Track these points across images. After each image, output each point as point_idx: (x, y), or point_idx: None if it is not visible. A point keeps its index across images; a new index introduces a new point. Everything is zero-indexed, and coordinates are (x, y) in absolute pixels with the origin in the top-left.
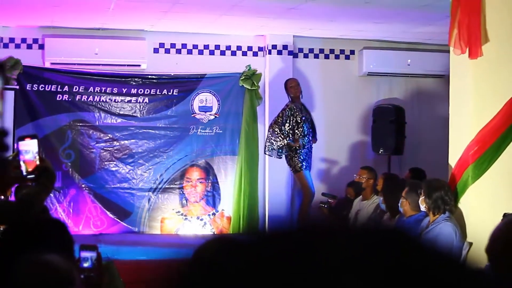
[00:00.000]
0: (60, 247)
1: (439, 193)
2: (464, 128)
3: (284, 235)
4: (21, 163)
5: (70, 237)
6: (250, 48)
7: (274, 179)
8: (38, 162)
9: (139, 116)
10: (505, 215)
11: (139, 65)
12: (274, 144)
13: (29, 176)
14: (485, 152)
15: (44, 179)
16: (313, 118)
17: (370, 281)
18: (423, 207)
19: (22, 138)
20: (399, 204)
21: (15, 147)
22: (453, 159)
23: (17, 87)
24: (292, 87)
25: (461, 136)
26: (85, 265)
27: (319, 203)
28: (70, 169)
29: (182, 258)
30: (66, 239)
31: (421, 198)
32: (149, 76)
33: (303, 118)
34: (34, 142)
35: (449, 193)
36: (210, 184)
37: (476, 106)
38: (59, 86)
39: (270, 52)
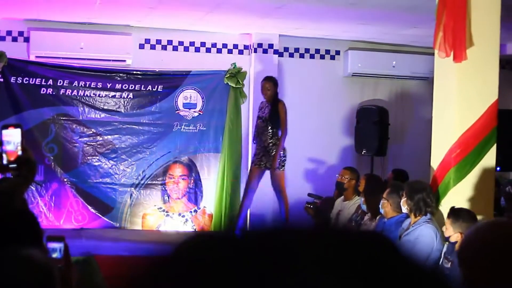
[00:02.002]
0: (29, 240)
1: (420, 194)
2: (447, 131)
3: (262, 234)
4: (3, 152)
5: (40, 229)
6: (235, 46)
7: None
8: (20, 153)
9: (123, 111)
10: (452, 208)
11: (124, 61)
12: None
13: (10, 166)
14: (467, 155)
15: (25, 171)
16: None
17: (337, 280)
18: (404, 209)
19: (5, 127)
20: (380, 205)
21: None
22: (435, 162)
23: (1, 79)
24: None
25: (444, 138)
26: (54, 255)
27: (305, 203)
28: (52, 163)
29: (160, 255)
30: (35, 231)
31: (403, 200)
32: (134, 72)
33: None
34: (18, 131)
35: (430, 195)
36: (192, 181)
37: (460, 109)
38: (43, 80)
39: (255, 51)
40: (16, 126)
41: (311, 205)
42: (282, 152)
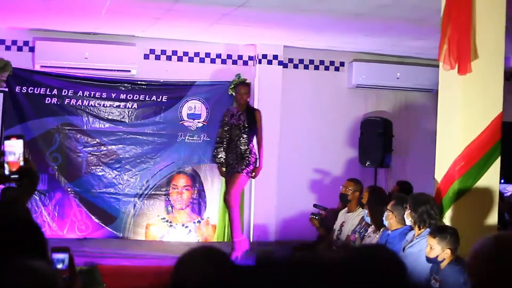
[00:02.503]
0: (34, 250)
1: (424, 207)
2: (451, 143)
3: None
4: (5, 163)
5: (44, 239)
6: (240, 57)
7: (261, 189)
8: (22, 163)
9: (127, 121)
10: (436, 227)
11: (129, 71)
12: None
13: (12, 176)
14: (471, 168)
15: (26, 181)
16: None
17: None
18: (408, 221)
19: (7, 138)
20: (384, 217)
21: (1, 147)
22: (439, 174)
23: (6, 89)
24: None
25: (448, 151)
26: (59, 266)
27: (311, 215)
28: (56, 173)
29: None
30: (39, 241)
31: (407, 212)
32: (139, 82)
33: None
34: (20, 142)
35: (434, 207)
36: (196, 192)
37: (464, 122)
38: (48, 89)
39: (260, 62)
40: (18, 137)
41: (316, 216)
42: (254, 159)
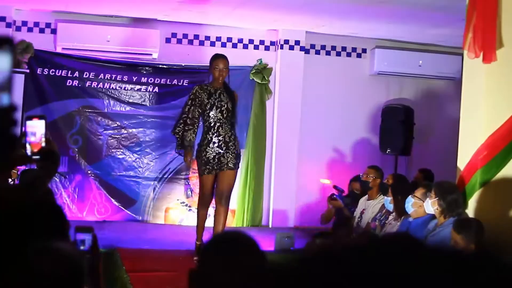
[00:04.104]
0: (56, 231)
1: (454, 195)
2: (474, 132)
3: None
4: (27, 143)
5: (66, 221)
6: (262, 42)
7: (281, 174)
8: (43, 144)
9: (148, 105)
10: (460, 222)
11: (151, 54)
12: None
13: (34, 157)
14: (494, 158)
15: (48, 162)
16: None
17: None
18: (433, 209)
19: (29, 118)
20: (411, 204)
21: (23, 129)
22: (461, 163)
23: (28, 70)
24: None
25: (471, 140)
26: (82, 247)
27: (330, 196)
28: (77, 155)
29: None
30: (61, 222)
31: (433, 200)
32: (160, 66)
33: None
34: (42, 123)
35: (461, 196)
36: None
37: (488, 111)
38: (69, 72)
39: (282, 47)
40: (40, 117)
41: (330, 195)
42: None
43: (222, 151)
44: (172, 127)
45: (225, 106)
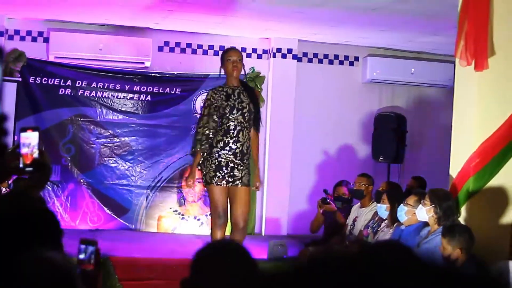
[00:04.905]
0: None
1: (450, 202)
2: (466, 139)
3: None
4: (20, 155)
5: (59, 229)
6: (254, 50)
7: (273, 182)
8: (36, 156)
9: (140, 113)
10: (446, 227)
11: (143, 63)
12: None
13: (26, 169)
14: (486, 165)
15: (38, 174)
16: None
17: None
18: (427, 217)
19: (23, 130)
20: (404, 212)
21: (16, 139)
22: (454, 171)
23: (20, 79)
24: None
25: (463, 147)
26: (81, 256)
27: (321, 199)
28: (69, 164)
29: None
30: (54, 230)
31: (427, 207)
32: (153, 74)
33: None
34: (35, 134)
35: (455, 203)
36: None
37: (480, 118)
38: (62, 80)
39: (274, 55)
40: (34, 129)
41: (322, 199)
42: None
43: (237, 161)
44: (191, 146)
45: (247, 107)
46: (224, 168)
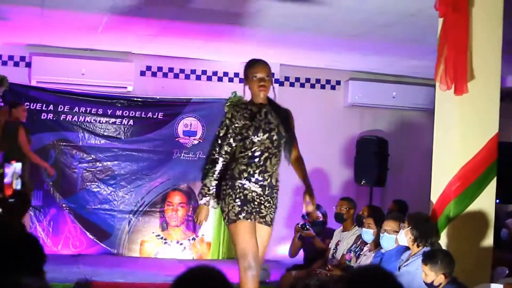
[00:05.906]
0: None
1: (426, 224)
2: (447, 163)
3: None
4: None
5: (42, 254)
6: (236, 75)
7: None
8: (16, 187)
9: (123, 138)
10: (426, 253)
11: (125, 87)
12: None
13: (9, 200)
14: (467, 188)
15: (16, 205)
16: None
17: None
18: (405, 240)
19: (7, 161)
20: (394, 240)
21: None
22: (435, 194)
23: (2, 104)
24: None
25: (444, 171)
26: None
27: (300, 225)
28: (51, 188)
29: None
30: (36, 256)
31: (405, 230)
32: (135, 99)
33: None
34: (18, 165)
35: (434, 226)
36: (191, 209)
37: (460, 142)
38: (44, 105)
39: None
40: (18, 160)
41: (301, 225)
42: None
43: (264, 196)
44: (202, 173)
45: (276, 130)
46: (251, 203)
